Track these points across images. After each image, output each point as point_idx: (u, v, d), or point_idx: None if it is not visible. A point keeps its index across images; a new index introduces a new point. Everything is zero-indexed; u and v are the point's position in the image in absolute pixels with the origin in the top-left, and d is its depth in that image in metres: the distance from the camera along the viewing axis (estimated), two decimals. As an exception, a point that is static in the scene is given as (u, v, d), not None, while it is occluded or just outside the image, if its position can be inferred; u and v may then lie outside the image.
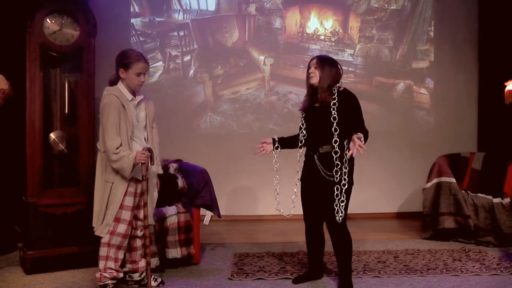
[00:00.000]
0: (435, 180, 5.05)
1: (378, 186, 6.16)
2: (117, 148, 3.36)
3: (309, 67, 3.52)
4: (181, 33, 6.13)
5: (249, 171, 6.07)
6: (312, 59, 3.53)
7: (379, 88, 6.23)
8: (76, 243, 4.11)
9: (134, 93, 3.56)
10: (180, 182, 4.38)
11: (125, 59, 3.48)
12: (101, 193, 3.48)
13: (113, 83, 3.55)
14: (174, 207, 4.24)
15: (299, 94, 5.96)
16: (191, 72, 6.14)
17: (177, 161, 4.69)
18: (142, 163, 3.39)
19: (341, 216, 3.40)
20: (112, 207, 3.47)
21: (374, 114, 6.14)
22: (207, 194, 4.36)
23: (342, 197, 3.38)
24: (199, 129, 6.14)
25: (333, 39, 6.15)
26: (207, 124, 6.15)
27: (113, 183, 3.46)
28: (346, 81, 6.01)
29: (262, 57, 6.17)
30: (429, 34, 6.23)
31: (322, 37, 6.15)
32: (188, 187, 4.37)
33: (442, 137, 6.19)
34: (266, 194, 5.94)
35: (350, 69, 6.16)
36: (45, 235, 4.08)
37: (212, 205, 4.40)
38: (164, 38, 6.12)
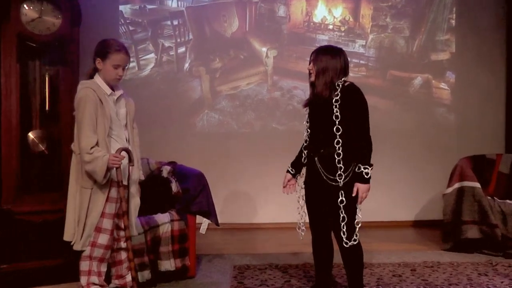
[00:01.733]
0: (456, 185, 5.04)
1: (393, 191, 6.17)
2: (91, 148, 3.32)
3: (309, 62, 3.51)
4: (175, 22, 6.12)
5: (250, 174, 6.09)
6: (312, 53, 3.51)
7: (394, 82, 6.24)
8: (58, 254, 4.07)
9: (112, 87, 3.52)
10: (174, 186, 4.39)
11: (103, 48, 3.46)
12: (78, 201, 3.44)
13: (90, 76, 3.53)
14: (167, 214, 4.25)
15: (305, 89, 5.95)
16: (186, 65, 6.14)
17: (171, 163, 4.68)
18: (116, 168, 3.36)
19: (352, 241, 3.40)
20: (92, 216, 3.43)
21: (388, 112, 6.14)
22: (204, 200, 4.38)
23: (345, 213, 3.37)
24: (195, 128, 6.14)
25: (342, 29, 6.15)
26: (203, 122, 6.15)
27: (92, 188, 3.41)
28: (357, 75, 6.03)
29: (264, 49, 6.17)
30: (450, 22, 6.22)
31: (331, 27, 6.16)
32: (183, 192, 4.38)
33: (464, 137, 6.20)
34: (269, 200, 5.93)
35: (361, 61, 6.17)
36: (23, 246, 4.05)
37: (210, 212, 4.43)
38: (156, 27, 6.12)
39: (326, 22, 6.15)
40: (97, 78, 3.47)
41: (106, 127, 3.39)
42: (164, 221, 4.19)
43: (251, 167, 6.05)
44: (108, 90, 3.46)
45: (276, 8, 6.14)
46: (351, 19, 6.14)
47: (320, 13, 6.15)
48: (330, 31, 6.14)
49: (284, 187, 3.65)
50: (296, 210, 3.66)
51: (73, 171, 3.47)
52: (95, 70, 3.49)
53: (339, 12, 6.15)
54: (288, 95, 6.17)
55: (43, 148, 4.23)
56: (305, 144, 3.61)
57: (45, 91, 4.21)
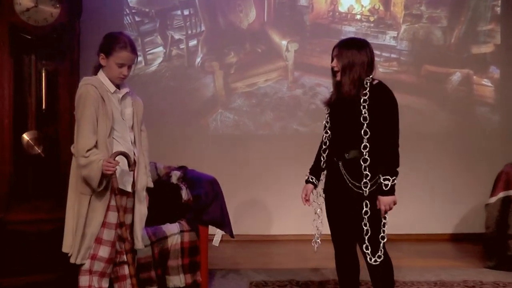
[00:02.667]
0: (501, 194, 5.00)
1: (428, 200, 6.15)
2: (88, 150, 3.31)
3: (332, 59, 3.48)
4: (186, 12, 6.15)
5: (268, 180, 6.11)
6: (333, 48, 3.49)
7: (429, 79, 6.21)
8: (55, 268, 4.07)
9: (117, 85, 3.52)
10: (185, 193, 4.41)
11: (108, 43, 3.44)
12: (77, 209, 3.42)
13: (95, 72, 3.52)
14: (176, 224, 4.26)
15: (330, 87, 5.77)
16: (198, 59, 6.16)
17: (181, 168, 4.69)
18: (111, 175, 3.34)
19: (377, 257, 3.38)
20: (93, 226, 3.41)
21: (422, 112, 6.13)
22: (217, 209, 4.40)
23: (369, 225, 3.35)
24: (207, 130, 6.17)
25: (371, 19, 6.14)
26: (217, 123, 6.17)
27: (91, 195, 3.39)
28: (388, 71, 6.01)
29: (284, 42, 6.17)
30: (494, 10, 6.19)
31: (358, 17, 6.15)
32: (194, 200, 4.39)
33: (510, 140, 6.17)
34: (288, 209, 5.96)
35: (392, 55, 6.15)
36: (16, 259, 4.06)
37: (223, 222, 4.45)
38: (165, 18, 6.15)
39: (353, 12, 6.14)
40: (101, 75, 3.46)
41: (107, 127, 3.38)
42: (173, 232, 4.19)
43: (269, 173, 6.06)
44: (111, 88, 3.45)
45: (298, -4, 6.15)
46: (381, 8, 6.12)
47: (346, 1, 6.14)
48: (358, 21, 6.13)
49: (306, 199, 3.60)
50: (312, 221, 3.64)
51: (73, 175, 3.45)
52: (99, 66, 3.49)
53: (367, 0, 6.14)
54: (311, 93, 6.16)
55: (39, 151, 4.24)
56: (324, 147, 3.58)
57: (42, 89, 4.23)
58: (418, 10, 6.14)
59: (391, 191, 3.31)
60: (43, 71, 4.22)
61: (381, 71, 5.98)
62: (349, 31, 6.07)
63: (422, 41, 6.15)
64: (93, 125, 3.32)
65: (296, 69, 6.17)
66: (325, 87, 6.05)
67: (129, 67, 3.44)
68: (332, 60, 3.44)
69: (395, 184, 3.30)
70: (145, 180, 3.57)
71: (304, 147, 5.83)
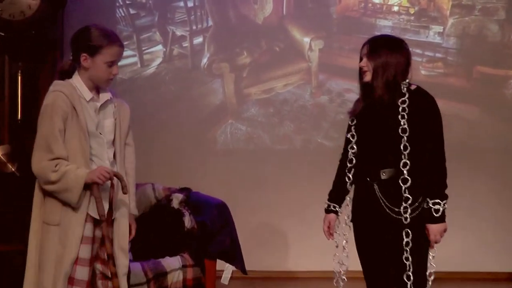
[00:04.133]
0: None
1: (482, 231, 6.09)
2: (56, 165, 3.26)
3: (360, 58, 3.48)
4: (190, 4, 6.14)
5: (288, 205, 6.07)
6: (363, 45, 3.48)
7: (483, 83, 6.16)
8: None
9: (97, 89, 3.47)
10: (188, 220, 4.44)
11: (92, 40, 3.39)
12: (41, 241, 3.37)
13: (66, 74, 3.47)
14: (178, 258, 4.28)
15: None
16: (204, 60, 6.15)
17: (184, 190, 4.73)
18: (95, 185, 3.28)
19: None
20: (65, 263, 3.34)
21: (473, 122, 6.11)
22: (226, 239, 4.44)
23: (412, 260, 3.31)
24: (215, 144, 6.16)
25: (411, 11, 6.11)
26: (227, 136, 6.16)
27: (59, 225, 3.33)
28: (432, 73, 6.01)
29: (307, 39, 6.15)
30: None
31: (396, 8, 6.13)
32: (199, 228, 4.42)
33: None
34: (311, 240, 5.89)
35: (437, 55, 6.12)
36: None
37: (234, 255, 4.49)
38: (165, 10, 6.15)
39: (389, 2, 6.11)
40: (76, 79, 3.41)
41: (83, 145, 3.33)
42: (174, 267, 4.20)
43: (288, 196, 6.02)
44: (88, 95, 3.40)
45: (323, -15, 6.13)
46: (423, -2, 6.08)
47: (381, -10, 6.14)
48: (395, 14, 6.10)
49: (330, 233, 3.59)
50: (333, 256, 3.62)
51: (36, 202, 3.41)
52: (74, 68, 3.44)
53: (407, -12, 6.13)
54: (339, 100, 6.13)
55: (13, 169, 4.28)
56: (349, 165, 3.55)
57: (17, 95, 4.22)
58: (470, 0, 6.10)
59: (442, 218, 3.29)
60: (19, 73, 4.24)
61: (424, 73, 5.95)
62: (385, 25, 6.06)
63: (474, 37, 6.10)
64: (57, 140, 3.28)
65: (321, 71, 6.14)
66: (356, 93, 5.87)
67: (117, 64, 3.42)
68: (361, 59, 3.44)
69: (445, 209, 3.28)
70: (126, 204, 3.52)
71: (330, 164, 5.75)
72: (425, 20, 6.10)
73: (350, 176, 3.54)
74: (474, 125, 6.07)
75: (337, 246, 3.58)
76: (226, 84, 6.13)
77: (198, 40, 6.14)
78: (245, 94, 6.15)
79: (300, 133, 6.14)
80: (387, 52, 3.37)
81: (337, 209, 3.58)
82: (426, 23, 6.09)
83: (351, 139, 3.53)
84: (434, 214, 3.26)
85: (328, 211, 3.59)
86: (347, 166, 3.54)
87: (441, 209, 3.26)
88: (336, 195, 3.59)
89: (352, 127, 3.53)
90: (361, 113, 3.49)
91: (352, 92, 6.04)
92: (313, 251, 5.91)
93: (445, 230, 3.31)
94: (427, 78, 5.66)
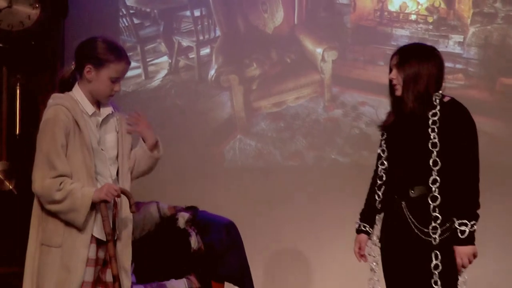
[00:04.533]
0: None
1: None
2: (60, 183, 3.24)
3: (390, 69, 3.49)
4: (197, 13, 6.17)
5: (300, 225, 6.04)
6: (392, 56, 3.50)
7: (507, 95, 6.10)
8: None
9: (98, 103, 3.47)
10: (194, 241, 4.44)
11: (100, 52, 3.40)
12: (38, 265, 3.35)
13: (66, 85, 3.47)
14: (184, 280, 4.30)
15: (377, 106, 5.92)
16: (212, 72, 6.17)
17: (190, 209, 4.70)
18: (104, 202, 3.27)
19: None
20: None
21: (497, 137, 6.05)
22: (235, 261, 4.48)
23: (441, 284, 3.30)
24: (223, 161, 6.17)
25: (430, 20, 6.08)
26: (235, 152, 6.16)
27: (61, 246, 3.31)
28: (452, 85, 5.96)
29: (319, 50, 6.15)
30: None
31: (413, 17, 6.10)
32: (206, 249, 4.44)
33: None
34: (327, 263, 5.88)
35: (458, 66, 6.08)
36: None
37: (243, 278, 4.51)
38: (171, 20, 6.20)
39: (406, 11, 6.09)
40: (77, 91, 3.41)
41: (88, 162, 3.33)
42: None
43: (301, 216, 5.99)
44: (90, 109, 3.41)
45: (337, -8, 6.15)
46: (442, 5, 6.05)
47: (398, -3, 6.13)
48: (413, 23, 6.07)
49: (361, 254, 3.58)
50: (368, 280, 3.59)
51: (34, 219, 3.39)
52: (75, 79, 3.44)
53: (426, -4, 6.12)
54: (353, 114, 6.11)
55: (10, 187, 4.28)
56: (379, 182, 3.55)
57: (15, 108, 4.22)
58: (492, 7, 6.03)
59: (470, 240, 3.25)
60: (18, 86, 4.24)
61: (443, 85, 5.91)
62: (402, 35, 6.03)
63: (497, 47, 6.04)
64: (60, 157, 3.27)
65: (335, 83, 6.13)
66: (371, 106, 6.03)
67: (120, 81, 3.43)
68: (391, 70, 3.44)
69: (475, 230, 3.25)
70: (129, 225, 3.52)
71: (344, 182, 5.83)
72: (444, 29, 6.06)
73: (380, 194, 3.55)
74: (497, 141, 6.01)
75: (371, 269, 3.57)
76: (235, 97, 6.14)
77: (205, 51, 6.16)
78: (254, 108, 6.15)
79: (312, 149, 6.11)
80: (417, 62, 3.38)
81: (367, 229, 3.57)
82: (445, 32, 6.06)
83: (381, 154, 3.55)
84: (460, 235, 3.23)
85: (358, 231, 3.59)
86: (377, 183, 3.56)
87: (467, 230, 3.23)
88: (367, 215, 3.60)
89: (383, 142, 3.55)
90: (392, 127, 3.51)
91: (367, 105, 6.07)
92: (330, 275, 5.89)
93: (475, 255, 3.27)
94: (446, 90, 5.62)
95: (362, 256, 3.57)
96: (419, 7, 6.07)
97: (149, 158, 3.62)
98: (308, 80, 6.14)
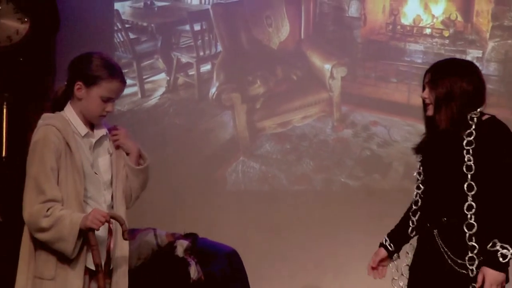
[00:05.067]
0: None
1: None
2: (48, 209, 3.22)
3: (423, 87, 3.49)
4: (197, 27, 6.20)
5: (308, 255, 6.02)
6: (426, 73, 3.49)
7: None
8: None
9: (91, 124, 3.47)
10: (194, 271, 4.36)
11: (91, 68, 3.40)
12: None
13: (58, 104, 3.46)
14: None
15: (389, 125, 5.99)
16: (213, 90, 6.20)
17: (189, 236, 4.64)
18: (90, 231, 3.24)
19: None
20: None
21: None
22: None
23: None
24: (224, 184, 6.18)
25: (446, 34, 6.10)
26: (238, 175, 6.17)
27: (53, 279, 3.29)
28: None
29: (328, 66, 6.17)
30: None
31: (428, 31, 6.12)
32: (207, 279, 4.37)
33: None
34: None
35: None
36: None
37: None
38: (169, 35, 6.24)
39: (420, 24, 6.10)
40: (69, 111, 3.42)
41: (78, 186, 3.32)
42: None
43: (309, 244, 5.96)
44: (82, 129, 3.40)
45: (346, 5, 6.14)
46: (459, 18, 6.06)
47: (411, 10, 6.10)
48: (427, 37, 6.09)
49: (372, 267, 3.57)
50: None
51: (24, 250, 3.37)
52: (68, 97, 3.43)
53: (440, 9, 6.08)
54: (364, 135, 6.11)
55: None
56: (414, 207, 3.55)
57: (2, 129, 4.22)
58: (512, 20, 6.10)
59: (505, 266, 3.18)
60: (4, 105, 4.24)
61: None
62: (416, 50, 6.04)
63: (518, 62, 6.07)
64: (53, 178, 3.26)
65: (344, 102, 6.13)
66: (383, 126, 6.03)
67: (113, 102, 3.42)
68: (424, 89, 3.43)
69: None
70: (126, 249, 3.50)
71: (354, 207, 5.80)
72: (461, 44, 6.07)
73: (415, 220, 3.53)
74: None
75: None
76: (237, 117, 6.15)
77: (206, 67, 6.19)
78: (258, 128, 6.16)
79: (320, 172, 6.11)
80: (450, 80, 3.35)
81: (390, 247, 3.56)
82: (462, 47, 6.06)
83: (417, 177, 3.54)
84: (500, 259, 3.15)
85: (381, 244, 3.59)
86: (412, 208, 3.55)
87: (509, 255, 3.15)
88: (394, 234, 3.60)
89: (419, 164, 3.54)
90: (427, 149, 3.49)
91: (379, 125, 6.07)
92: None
93: (503, 285, 3.22)
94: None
95: (373, 268, 3.57)
96: (434, 20, 6.08)
97: (138, 173, 3.56)
98: (316, 99, 6.15)
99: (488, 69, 6.04)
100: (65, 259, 3.28)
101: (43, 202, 3.23)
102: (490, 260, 3.19)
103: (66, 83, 3.45)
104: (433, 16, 6.08)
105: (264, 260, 5.87)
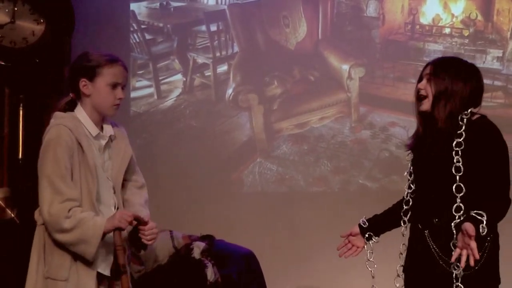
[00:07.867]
0: None
1: None
2: (69, 210, 3.22)
3: (420, 78, 3.44)
4: (213, 27, 6.21)
5: (326, 257, 5.93)
6: (425, 66, 3.45)
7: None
8: None
9: (101, 123, 3.48)
10: (211, 273, 4.41)
11: (90, 60, 3.41)
12: None
13: (67, 107, 3.47)
14: None
15: (408, 126, 5.90)
16: (230, 91, 6.21)
17: (206, 238, 4.69)
18: (117, 231, 3.24)
19: None
20: None
21: None
22: None
23: None
24: (241, 186, 6.19)
25: (466, 33, 6.10)
26: (255, 177, 6.17)
27: (66, 280, 3.30)
28: (491, 104, 6.00)
29: (345, 66, 6.18)
30: None
31: (448, 30, 6.12)
32: (224, 281, 4.42)
33: None
34: None
35: (496, 83, 6.07)
36: None
37: None
38: (185, 35, 6.24)
39: (440, 24, 6.10)
40: (79, 112, 3.42)
41: (91, 186, 3.32)
42: None
43: (327, 246, 5.85)
44: (94, 130, 3.41)
45: (364, 5, 6.13)
46: (479, 18, 6.06)
47: (430, 10, 6.10)
48: (447, 37, 6.09)
49: (341, 236, 3.67)
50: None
51: (34, 252, 3.37)
52: (74, 99, 3.44)
53: (460, 8, 6.08)
54: (382, 136, 6.12)
55: (12, 215, 4.29)
56: (405, 207, 3.53)
57: (18, 131, 4.24)
58: (535, 19, 6.06)
59: (480, 222, 3.05)
60: (21, 107, 4.25)
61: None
62: (435, 50, 6.02)
63: (540, 62, 6.05)
64: (65, 181, 3.26)
65: (362, 103, 6.14)
66: (402, 127, 6.04)
67: (123, 88, 3.43)
68: (421, 79, 3.40)
69: (484, 224, 3.03)
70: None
71: (373, 208, 5.72)
72: (481, 44, 6.06)
73: (406, 220, 3.52)
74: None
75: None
76: (254, 118, 6.16)
77: (223, 68, 6.20)
78: (275, 130, 6.16)
79: (338, 173, 6.12)
80: (453, 78, 3.33)
81: (365, 225, 3.65)
82: (482, 47, 6.06)
83: (408, 177, 3.53)
84: (477, 217, 3.03)
85: (359, 223, 3.68)
86: (403, 208, 3.53)
87: (484, 221, 3.02)
88: (374, 217, 3.67)
89: (410, 163, 3.53)
90: (417, 147, 3.47)
91: (397, 126, 6.07)
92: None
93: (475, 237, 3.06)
94: (484, 109, 5.48)
95: (342, 236, 3.69)
96: (454, 19, 6.08)
97: None
98: (333, 99, 6.15)
99: (509, 69, 6.04)
100: (79, 261, 3.29)
101: (62, 202, 3.23)
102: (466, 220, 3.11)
103: (71, 86, 3.44)
104: (452, 15, 6.08)
105: (281, 262, 5.88)
